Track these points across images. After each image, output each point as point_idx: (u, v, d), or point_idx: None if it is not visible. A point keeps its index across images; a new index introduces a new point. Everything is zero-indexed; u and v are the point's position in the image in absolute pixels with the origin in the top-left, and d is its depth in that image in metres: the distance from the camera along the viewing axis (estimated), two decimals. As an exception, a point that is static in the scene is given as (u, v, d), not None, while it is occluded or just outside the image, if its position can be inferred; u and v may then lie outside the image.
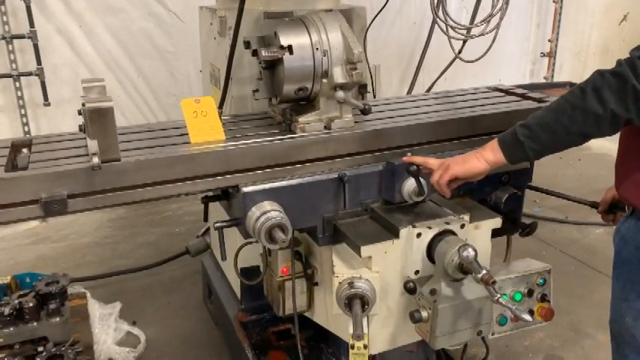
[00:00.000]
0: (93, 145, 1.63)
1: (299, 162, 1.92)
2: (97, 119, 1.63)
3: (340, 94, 1.95)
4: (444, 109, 2.34)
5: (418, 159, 1.85)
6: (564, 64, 6.88)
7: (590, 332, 3.22)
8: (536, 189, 2.47)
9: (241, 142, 1.89)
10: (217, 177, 1.82)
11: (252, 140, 1.90)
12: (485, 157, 1.72)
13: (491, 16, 2.67)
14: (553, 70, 6.73)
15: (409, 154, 1.94)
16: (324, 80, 1.95)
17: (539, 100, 2.41)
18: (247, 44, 1.99)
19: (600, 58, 7.01)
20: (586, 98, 1.53)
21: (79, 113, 1.70)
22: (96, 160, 1.61)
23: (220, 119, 1.95)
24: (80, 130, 1.86)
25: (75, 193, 1.65)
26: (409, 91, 3.44)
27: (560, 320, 3.19)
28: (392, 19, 5.55)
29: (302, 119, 1.99)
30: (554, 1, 6.47)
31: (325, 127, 2.01)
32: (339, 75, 1.94)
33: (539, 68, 6.83)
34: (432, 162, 1.82)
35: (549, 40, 6.66)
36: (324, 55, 1.93)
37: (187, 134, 1.89)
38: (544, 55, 6.72)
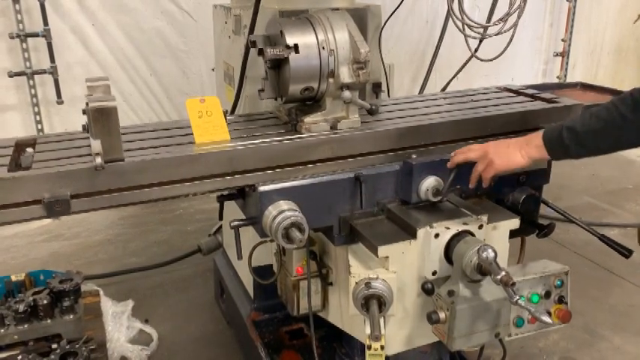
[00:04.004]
0: (96, 145, 1.62)
1: (304, 163, 1.91)
2: (101, 119, 1.62)
3: (347, 94, 1.93)
4: (454, 109, 2.32)
5: (460, 158, 1.85)
6: (577, 63, 6.82)
7: (606, 335, 3.19)
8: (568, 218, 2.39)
9: (246, 142, 1.88)
10: (222, 177, 1.81)
11: (258, 140, 1.89)
12: (529, 154, 1.76)
13: (508, 14, 2.65)
14: (566, 70, 6.67)
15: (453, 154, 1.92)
16: (331, 80, 1.94)
17: (550, 101, 2.39)
18: (253, 43, 1.97)
19: (614, 57, 6.95)
20: (638, 111, 1.52)
21: (84, 112, 1.69)
22: (99, 160, 1.60)
23: (225, 119, 1.93)
24: (84, 129, 1.85)
25: (78, 194, 1.64)
26: (421, 91, 3.42)
27: (575, 322, 3.14)
28: (404, 17, 5.53)
29: (308, 119, 1.97)
30: (567, 0, 6.42)
31: (331, 128, 1.99)
32: (345, 75, 1.92)
33: (552, 68, 6.78)
34: (472, 155, 1.84)
35: (562, 40, 6.60)
36: (331, 55, 1.91)
37: (192, 134, 1.88)
38: (557, 54, 6.67)
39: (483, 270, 1.63)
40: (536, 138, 1.76)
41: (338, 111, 2.01)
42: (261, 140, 1.90)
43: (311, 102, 2.05)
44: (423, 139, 2.07)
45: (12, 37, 4.26)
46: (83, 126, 1.84)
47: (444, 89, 3.25)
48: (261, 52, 1.92)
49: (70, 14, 4.51)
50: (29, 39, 4.35)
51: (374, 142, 1.99)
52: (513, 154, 1.77)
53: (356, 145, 1.97)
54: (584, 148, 1.67)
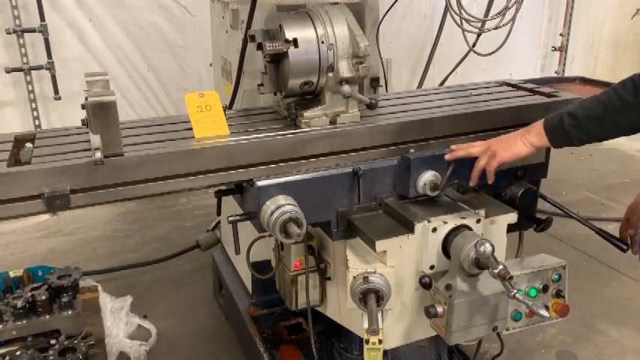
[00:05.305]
0: (96, 139, 1.61)
1: (304, 157, 1.90)
2: (100, 113, 1.61)
3: (346, 88, 1.93)
4: (453, 103, 2.31)
5: (461, 153, 1.85)
6: (576, 58, 6.82)
7: (603, 328, 3.20)
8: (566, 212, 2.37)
9: (245, 137, 1.87)
10: (221, 172, 1.81)
11: (257, 135, 1.89)
12: (530, 141, 1.75)
13: (506, 8, 2.65)
14: (564, 65, 6.67)
15: (453, 147, 1.92)
16: (330, 74, 1.93)
17: (549, 95, 2.38)
18: (252, 38, 1.97)
19: (612, 52, 6.95)
20: (639, 95, 1.51)
21: (83, 107, 1.69)
22: (99, 154, 1.60)
23: (225, 114, 1.93)
24: (83, 124, 1.84)
25: (78, 188, 1.64)
26: (419, 85, 3.42)
27: (572, 316, 3.15)
28: (402, 12, 5.52)
29: (307, 114, 1.97)
30: (566, -6, 6.42)
31: (331, 122, 1.99)
32: (344, 69, 1.92)
33: (550, 62, 6.78)
34: (475, 150, 1.84)
35: (561, 34, 6.60)
36: (330, 49, 1.91)
37: (191, 129, 1.87)
38: (555, 49, 6.66)
39: (481, 264, 1.63)
40: (537, 125, 1.76)
41: (337, 105, 2.00)
42: (260, 135, 1.89)
43: (310, 96, 2.05)
44: (422, 133, 2.06)
45: (9, 33, 4.24)
46: (82, 121, 1.84)
47: (442, 84, 3.24)
48: (260, 47, 1.91)
49: (67, 10, 4.50)
50: (26, 35, 4.34)
51: (373, 136, 1.99)
52: (515, 143, 1.78)
53: (355, 140, 1.97)
54: (585, 134, 1.66)
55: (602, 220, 4.31)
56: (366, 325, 1.73)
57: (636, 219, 2.14)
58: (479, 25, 2.76)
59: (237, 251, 1.98)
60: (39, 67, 4.41)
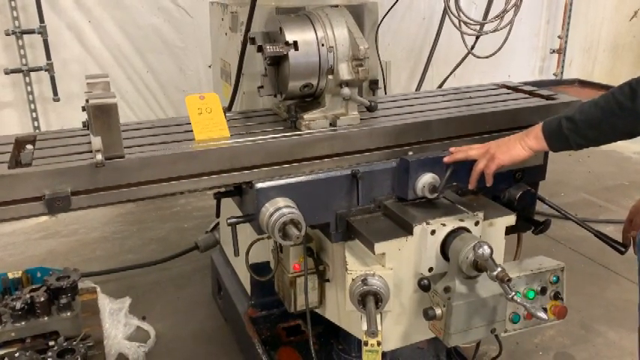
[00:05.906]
0: (96, 141, 1.62)
1: (304, 159, 1.91)
2: (101, 115, 1.62)
3: (346, 90, 1.93)
4: (453, 105, 2.32)
5: (460, 155, 1.85)
6: (574, 60, 6.83)
7: (602, 330, 3.20)
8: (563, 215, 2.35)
9: (246, 139, 1.88)
10: (221, 174, 1.81)
11: (257, 137, 1.89)
12: (528, 145, 1.76)
13: (505, 11, 2.65)
14: (562, 67, 6.68)
15: (451, 149, 1.93)
16: (330, 77, 1.94)
17: (548, 98, 2.39)
18: (252, 40, 1.98)
19: (610, 54, 6.96)
20: (636, 100, 1.52)
21: (83, 109, 1.69)
22: (99, 157, 1.60)
23: (225, 116, 1.93)
24: (84, 126, 1.85)
25: (78, 190, 1.64)
26: (418, 87, 3.42)
27: (571, 318, 3.14)
28: (401, 14, 5.53)
29: (307, 116, 1.98)
30: (564, -3, 6.43)
31: (331, 124, 2.00)
32: (344, 71, 1.93)
33: (548, 65, 6.79)
34: (474, 153, 1.85)
35: (559, 37, 6.61)
36: (330, 52, 1.92)
37: (192, 131, 1.88)
38: (554, 51, 6.67)
39: (479, 266, 1.63)
40: (536, 129, 1.77)
41: (337, 108, 2.01)
42: (261, 137, 1.90)
43: (310, 99, 2.06)
44: (421, 136, 2.07)
45: (8, 34, 4.25)
46: (83, 123, 1.84)
47: (440, 86, 3.25)
48: (260, 49, 1.92)
49: (66, 11, 4.50)
50: (25, 36, 4.34)
51: (373, 138, 1.99)
52: (514, 146, 1.78)
53: (355, 142, 1.97)
54: (583, 138, 1.67)
55: (600, 222, 4.33)
56: (364, 327, 1.74)
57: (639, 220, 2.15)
58: (477, 27, 2.77)
59: (236, 253, 1.98)
60: (38, 69, 4.42)
